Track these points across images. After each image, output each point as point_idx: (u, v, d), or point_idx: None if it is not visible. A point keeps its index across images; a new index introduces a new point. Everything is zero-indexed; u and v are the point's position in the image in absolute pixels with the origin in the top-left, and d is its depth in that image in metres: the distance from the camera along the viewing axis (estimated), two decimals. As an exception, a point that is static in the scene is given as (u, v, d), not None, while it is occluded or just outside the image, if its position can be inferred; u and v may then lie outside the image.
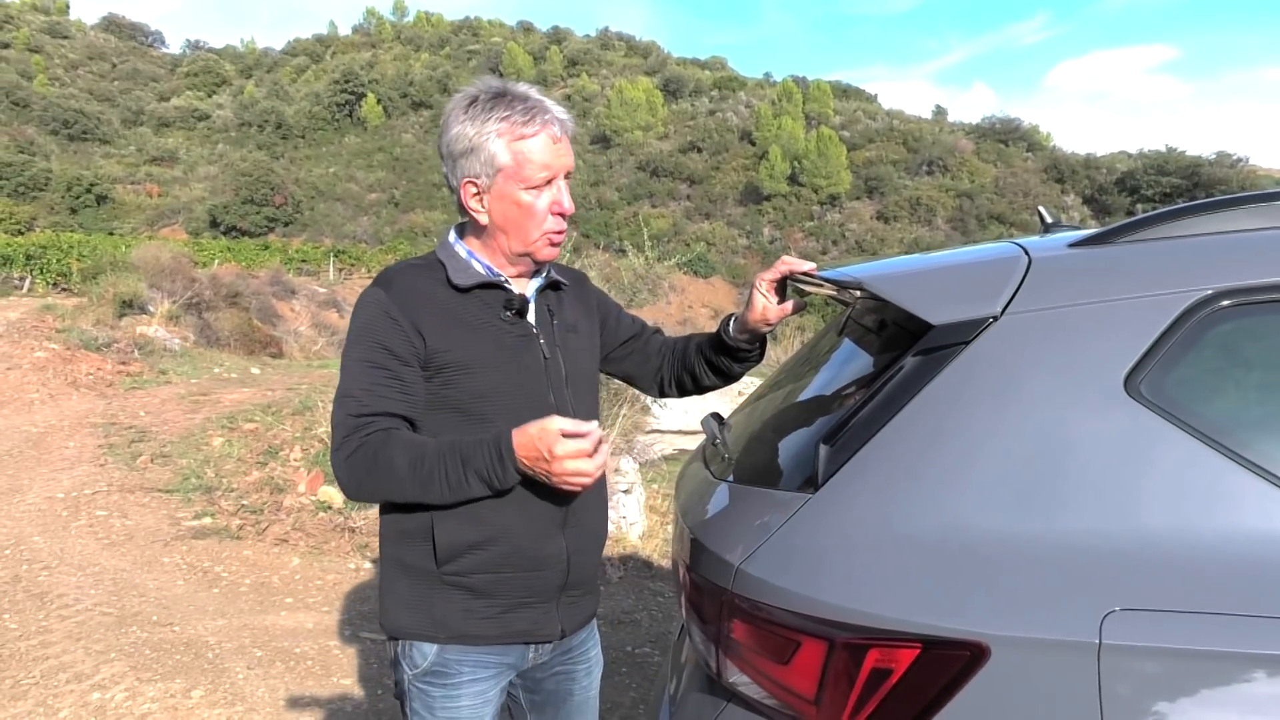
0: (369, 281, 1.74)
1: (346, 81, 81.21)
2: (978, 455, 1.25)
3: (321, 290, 33.50)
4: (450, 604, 1.62)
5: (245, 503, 6.67)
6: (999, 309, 1.32)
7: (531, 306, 1.71)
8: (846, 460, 1.31)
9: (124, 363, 13.14)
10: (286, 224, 58.96)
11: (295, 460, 7.82)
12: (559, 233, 1.66)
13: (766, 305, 1.83)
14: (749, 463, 1.60)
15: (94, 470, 7.29)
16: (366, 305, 1.63)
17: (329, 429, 6.08)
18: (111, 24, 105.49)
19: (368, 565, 5.44)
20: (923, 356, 1.34)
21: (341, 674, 3.78)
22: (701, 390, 1.99)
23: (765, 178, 58.25)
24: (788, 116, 63.30)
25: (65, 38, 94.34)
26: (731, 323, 1.90)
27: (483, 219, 1.64)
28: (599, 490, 1.78)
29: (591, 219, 54.59)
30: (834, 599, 1.23)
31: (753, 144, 62.53)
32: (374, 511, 6.43)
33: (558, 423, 1.45)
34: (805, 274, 1.77)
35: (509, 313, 1.65)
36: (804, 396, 1.77)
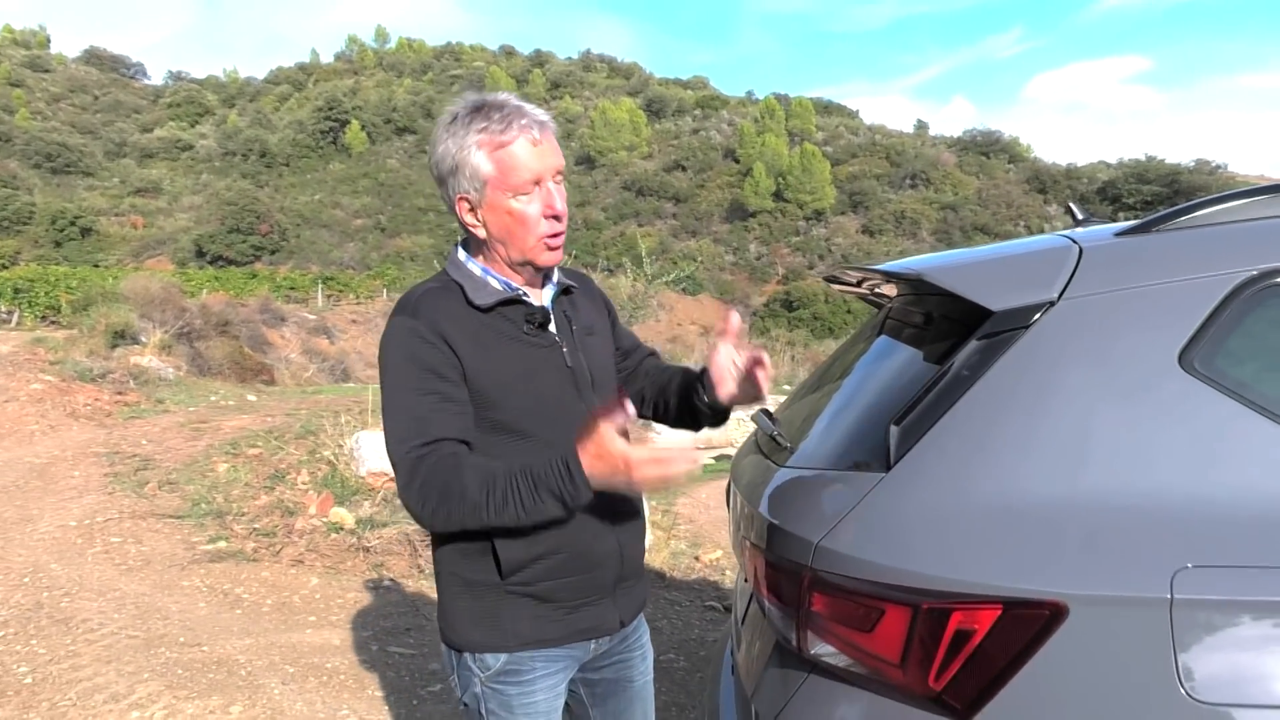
0: (358, 307, 1.79)
1: (330, 109, 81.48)
2: (1043, 428, 1.33)
3: (311, 317, 33.49)
4: (518, 613, 1.65)
5: (257, 526, 6.69)
6: (1056, 295, 1.41)
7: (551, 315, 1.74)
8: (918, 439, 1.39)
9: (120, 393, 13.12)
10: (273, 252, 58.91)
11: (303, 484, 7.85)
12: (555, 236, 1.65)
13: (731, 390, 1.80)
14: (813, 450, 1.67)
15: (103, 498, 7.29)
16: (399, 334, 1.61)
17: (334, 451, 6.17)
18: (93, 57, 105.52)
19: (386, 583, 5.48)
20: (985, 341, 1.42)
21: (375, 687, 3.81)
22: (670, 425, 1.96)
23: (750, 194, 58.64)
24: (771, 133, 63.83)
25: (46, 71, 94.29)
26: (703, 381, 1.84)
27: (480, 232, 1.65)
28: (631, 497, 1.80)
29: (578, 239, 54.79)
30: (915, 567, 1.31)
31: (737, 161, 62.98)
32: (388, 531, 6.47)
33: (616, 444, 1.43)
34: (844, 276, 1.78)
35: (532, 327, 1.68)
36: (857, 388, 1.85)
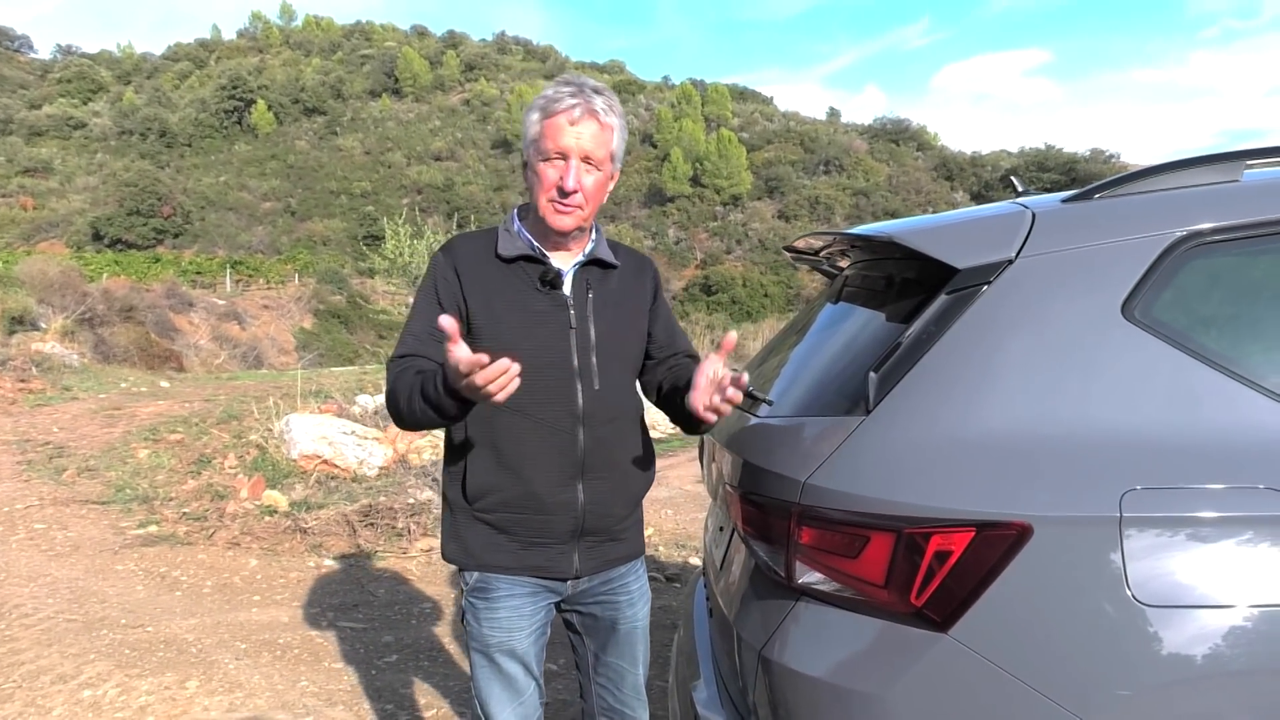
0: (270, 292, 1.95)
1: (234, 87, 78.57)
2: (1007, 371, 1.49)
3: (220, 302, 32.41)
4: (477, 536, 1.88)
5: (187, 511, 6.57)
6: (1014, 253, 1.57)
7: (569, 280, 1.88)
8: (896, 384, 1.54)
9: (23, 380, 12.56)
10: (176, 235, 56.65)
11: (231, 468, 7.70)
12: (563, 203, 1.79)
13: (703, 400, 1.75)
14: (791, 401, 1.81)
15: (19, 486, 7.04)
16: (431, 265, 1.90)
17: (263, 435, 6.21)
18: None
19: (328, 563, 5.46)
20: (952, 295, 1.57)
21: (331, 659, 3.84)
22: (671, 419, 2.01)
23: (668, 179, 58.97)
24: (688, 119, 64.22)
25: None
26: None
27: (527, 193, 1.88)
28: (630, 449, 1.94)
29: (495, 224, 54.10)
30: (897, 497, 1.46)
31: (654, 146, 63.21)
32: (325, 512, 6.42)
33: (461, 352, 1.49)
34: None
35: (544, 284, 1.85)
36: (826, 346, 1.99)
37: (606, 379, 1.88)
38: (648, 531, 7.20)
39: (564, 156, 1.78)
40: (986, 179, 58.28)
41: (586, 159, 1.79)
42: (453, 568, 5.45)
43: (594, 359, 1.86)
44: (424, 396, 1.64)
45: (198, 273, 38.40)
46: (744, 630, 1.71)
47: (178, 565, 5.26)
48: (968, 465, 1.45)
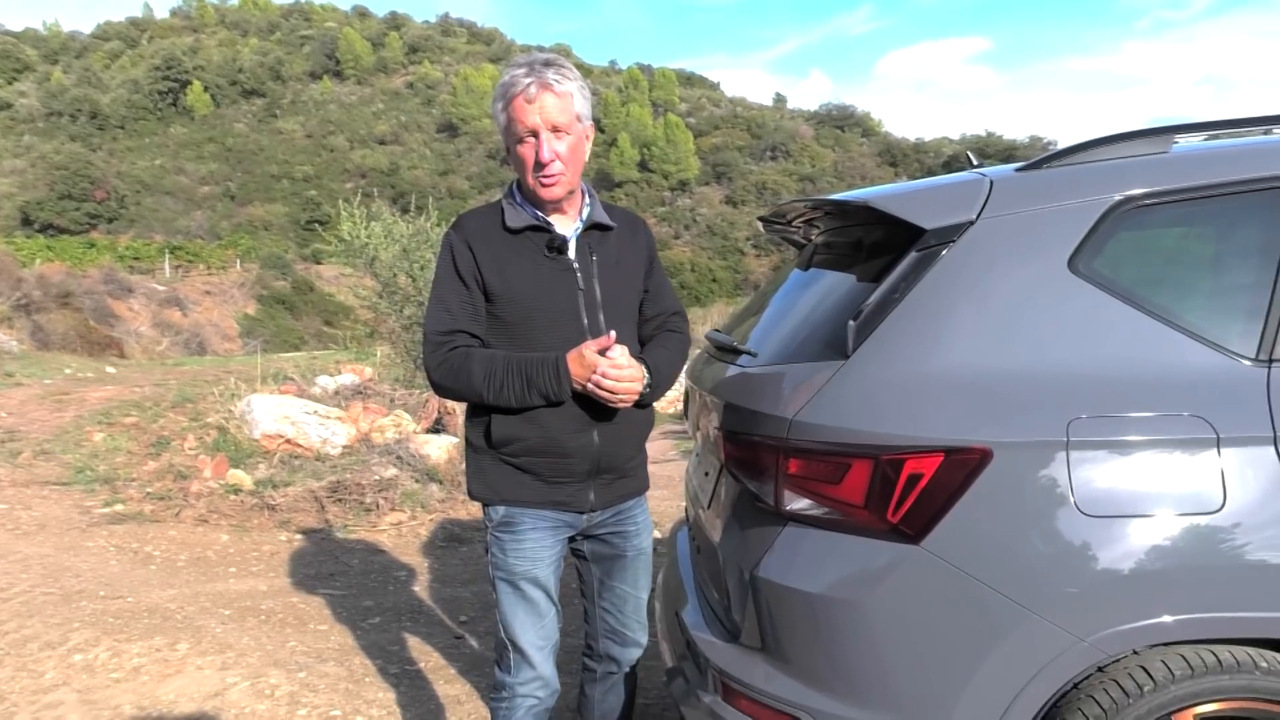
0: (211, 278, 2.13)
1: (168, 68, 76.40)
2: (969, 317, 1.70)
3: (160, 288, 31.72)
4: (503, 475, 2.07)
5: (150, 490, 6.57)
6: (975, 215, 1.77)
7: (572, 245, 2.07)
8: (872, 331, 1.74)
9: (-37, 366, 12.28)
10: (111, 220, 55.07)
11: (191, 449, 7.70)
12: (548, 176, 1.97)
13: None
14: (773, 351, 2.00)
15: (-27, 469, 6.95)
16: (445, 242, 2.08)
17: (224, 416, 6.30)
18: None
19: (299, 537, 5.55)
20: (921, 253, 1.78)
21: (315, 623, 3.96)
22: None
23: (616, 164, 59.00)
24: (635, 104, 64.25)
25: None
26: None
27: (514, 173, 2.07)
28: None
29: (444, 209, 53.76)
30: (875, 428, 1.66)
31: (602, 131, 63.09)
32: (293, 489, 6.48)
33: (589, 349, 1.92)
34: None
35: (551, 250, 2.04)
36: (801, 304, 2.18)
37: (617, 332, 2.05)
38: (649, 505, 7.39)
39: (534, 134, 1.95)
40: (929, 165, 59.42)
41: (555, 129, 1.96)
42: (427, 536, 5.60)
43: (601, 316, 2.06)
44: (532, 387, 1.93)
45: (135, 258, 37.45)
46: (734, 556, 1.90)
47: (149, 541, 5.30)
48: (936, 399, 1.66)
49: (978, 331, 1.69)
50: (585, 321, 2.04)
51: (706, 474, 2.27)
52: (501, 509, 2.07)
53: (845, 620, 1.66)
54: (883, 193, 1.98)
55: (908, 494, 1.63)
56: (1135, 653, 1.61)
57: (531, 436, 2.01)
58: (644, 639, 2.32)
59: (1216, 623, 1.56)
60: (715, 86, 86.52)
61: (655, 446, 16.73)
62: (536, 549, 2.08)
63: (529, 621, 2.09)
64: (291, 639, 3.71)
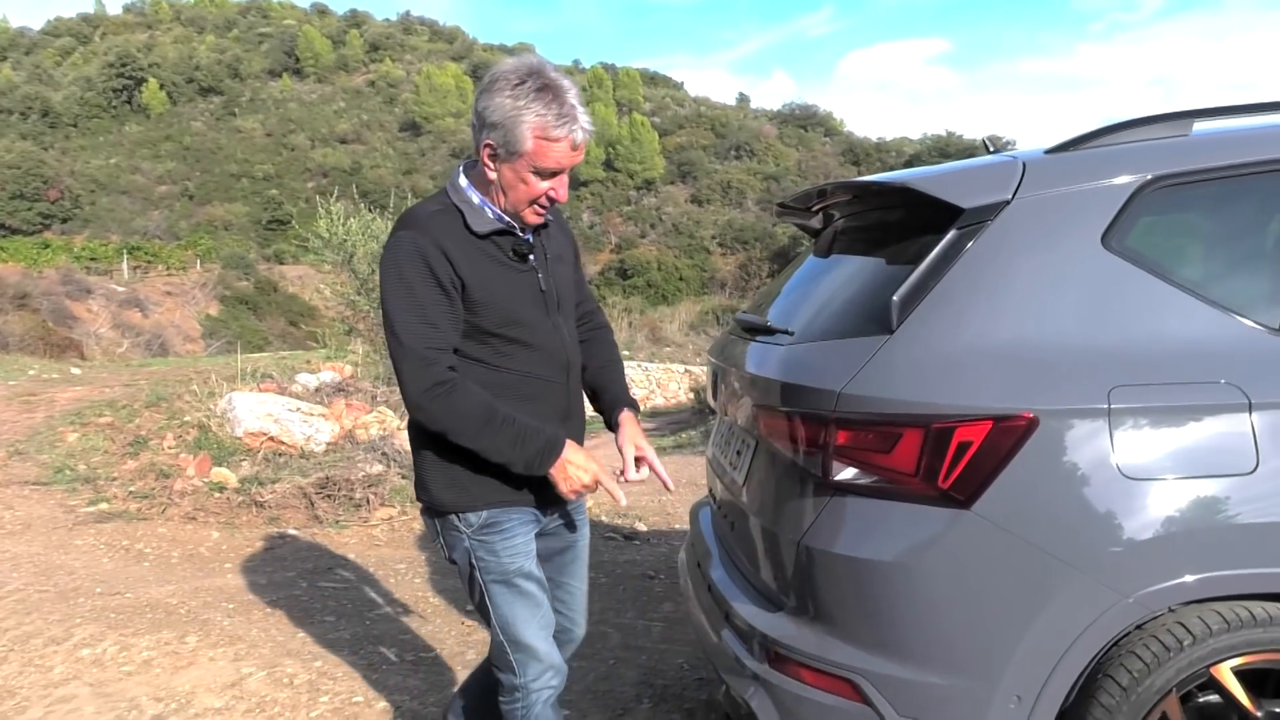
0: (171, 278, 2.05)
1: (122, 65, 74.89)
2: (1010, 292, 1.77)
3: (120, 289, 31.13)
4: (482, 481, 1.99)
5: (133, 489, 6.49)
6: (1010, 195, 1.84)
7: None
8: (915, 307, 1.80)
9: (-77, 368, 11.99)
10: (65, 220, 53.92)
11: (171, 448, 7.60)
12: (545, 209, 1.96)
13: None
14: (814, 329, 2.06)
15: (-53, 470, 6.81)
16: (406, 245, 1.89)
17: (205, 414, 6.24)
18: None
19: (291, 533, 5.52)
20: (960, 231, 1.84)
21: (322, 614, 3.95)
22: None
23: (581, 164, 58.98)
24: (599, 103, 64.21)
25: None
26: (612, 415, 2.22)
27: (492, 175, 1.92)
28: (581, 396, 2.19)
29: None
30: (926, 398, 1.72)
31: (566, 130, 63.06)
32: (281, 486, 6.44)
33: (604, 473, 2.00)
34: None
35: (516, 255, 1.99)
36: (832, 286, 2.24)
37: (569, 331, 2.14)
38: (588, 503, 7.42)
39: (556, 174, 1.90)
40: (891, 164, 60.09)
41: (572, 165, 1.96)
42: (420, 531, 5.59)
43: (559, 315, 2.08)
44: (520, 459, 1.91)
45: (92, 259, 36.69)
46: (778, 527, 1.95)
47: (139, 539, 5.25)
48: (983, 370, 1.72)
49: (1018, 304, 1.77)
50: (550, 324, 2.04)
51: (739, 452, 2.32)
52: (484, 513, 2.01)
53: (898, 584, 1.73)
54: (919, 174, 2.04)
55: (958, 461, 1.69)
56: (1171, 610, 1.69)
57: None
58: (584, 628, 2.34)
59: (1253, 579, 1.65)
60: (679, 86, 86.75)
61: (628, 444, 16.81)
62: (525, 543, 2.06)
63: (531, 616, 2.05)
64: (301, 630, 3.71)
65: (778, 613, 1.95)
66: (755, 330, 2.33)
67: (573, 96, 1.87)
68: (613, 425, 2.20)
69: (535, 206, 1.94)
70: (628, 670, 3.33)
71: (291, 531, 5.54)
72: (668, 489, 2.14)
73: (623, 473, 2.11)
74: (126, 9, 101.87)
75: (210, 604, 4.06)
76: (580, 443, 2.12)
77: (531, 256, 2.02)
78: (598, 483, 1.99)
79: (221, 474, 6.77)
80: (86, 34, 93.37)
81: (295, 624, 3.80)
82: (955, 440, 1.69)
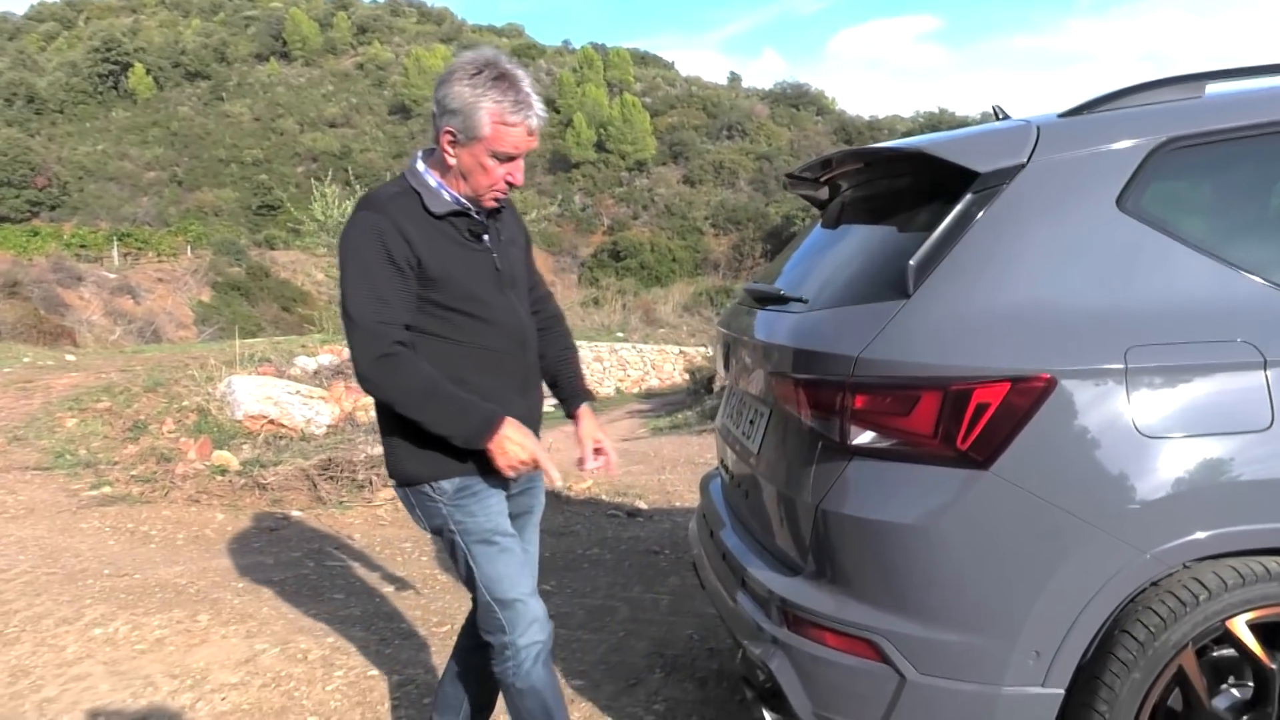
0: (163, 265, 2.09)
1: (108, 50, 74.07)
2: (1026, 255, 1.78)
3: (111, 276, 30.91)
4: (449, 450, 2.04)
5: (135, 473, 6.48)
6: (1025, 159, 1.85)
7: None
8: (933, 271, 1.81)
9: (-83, 356, 11.94)
10: (54, 207, 53.52)
11: (170, 432, 7.60)
12: (503, 192, 2.06)
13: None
14: (828, 296, 2.07)
15: (-53, 456, 6.80)
16: (369, 225, 1.98)
17: (205, 398, 6.24)
18: None
19: (295, 514, 5.53)
20: (976, 194, 1.85)
21: (331, 592, 3.97)
22: None
23: (573, 145, 58.69)
24: (590, 84, 63.86)
25: None
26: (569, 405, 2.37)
27: (451, 160, 2.01)
28: (538, 367, 2.28)
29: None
30: (944, 360, 1.74)
31: (557, 111, 62.61)
32: (283, 468, 6.44)
33: (541, 451, 2.05)
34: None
35: (472, 236, 2.08)
36: (843, 254, 2.25)
37: (524, 307, 2.22)
38: (585, 484, 7.43)
39: (514, 157, 2.00)
40: (884, 141, 59.49)
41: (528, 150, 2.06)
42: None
43: (513, 293, 2.17)
44: (458, 429, 1.97)
45: (82, 246, 36.39)
46: (796, 492, 1.97)
47: (144, 521, 5.25)
48: (1001, 332, 1.74)
49: (1034, 267, 1.78)
50: (504, 299, 2.11)
51: (752, 421, 2.34)
52: (457, 479, 2.07)
53: (917, 544, 1.74)
54: (933, 140, 2.05)
55: (976, 422, 1.71)
56: (1186, 566, 1.71)
57: None
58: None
59: (1273, 533, 1.67)
60: (670, 66, 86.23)
61: (624, 425, 16.85)
62: (499, 503, 2.13)
63: (515, 570, 2.11)
64: (312, 608, 3.73)
65: (795, 577, 1.97)
66: (767, 300, 2.34)
67: (527, 85, 1.98)
68: (571, 416, 2.36)
69: (493, 190, 2.03)
70: (638, 642, 3.35)
71: (295, 513, 5.56)
72: (611, 473, 2.25)
73: (581, 462, 2.29)
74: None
75: (219, 583, 4.07)
76: (539, 413, 2.23)
77: (486, 237, 2.11)
78: (534, 460, 2.04)
79: (223, 457, 6.77)
80: (70, 19, 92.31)
81: (306, 602, 3.81)
82: (973, 402, 1.71)
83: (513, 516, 2.24)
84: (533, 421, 2.19)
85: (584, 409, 2.35)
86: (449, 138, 1.98)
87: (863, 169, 2.38)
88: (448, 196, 2.03)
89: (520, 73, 1.98)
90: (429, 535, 4.95)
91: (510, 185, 2.04)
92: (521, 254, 2.26)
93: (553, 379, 2.39)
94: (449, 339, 2.05)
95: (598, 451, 2.29)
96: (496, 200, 2.07)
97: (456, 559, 2.14)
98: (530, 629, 2.10)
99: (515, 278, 2.19)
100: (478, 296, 2.05)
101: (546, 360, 2.35)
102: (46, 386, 10.11)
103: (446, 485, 2.07)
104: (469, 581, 2.14)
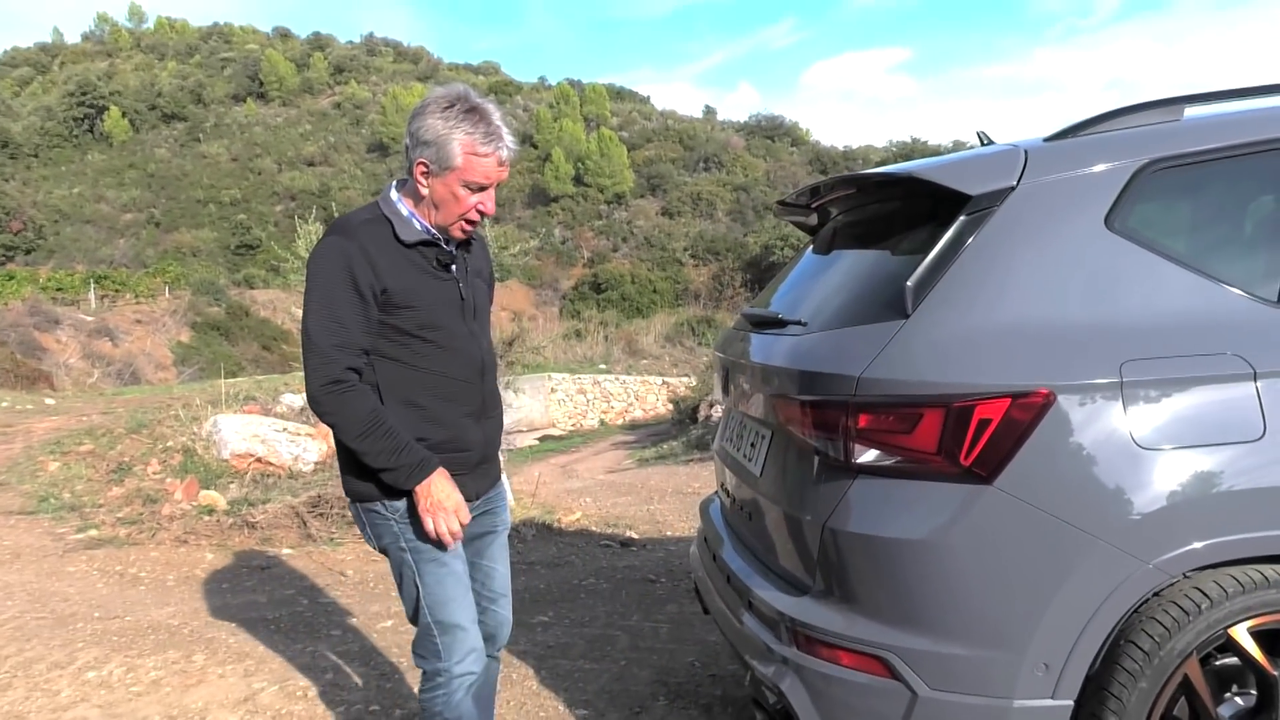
0: (141, 307, 2.11)
1: (83, 94, 73.99)
2: (1021, 273, 1.83)
3: (88, 319, 30.68)
4: None
5: (121, 515, 6.42)
6: (1015, 181, 1.91)
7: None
8: (929, 291, 1.85)
9: (-107, 403, 11.77)
10: (29, 251, 53.06)
11: (156, 473, 7.53)
12: (473, 223, 2.10)
13: None
14: (826, 318, 2.11)
15: (-71, 503, 6.70)
16: (337, 249, 2.01)
17: (190, 438, 6.20)
18: None
19: (286, 552, 5.48)
20: (969, 216, 1.90)
21: (328, 629, 3.93)
22: None
23: (551, 179, 58.98)
24: (567, 119, 64.35)
25: None
26: None
27: (424, 191, 2.05)
28: (498, 391, 2.31)
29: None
30: (945, 378, 1.77)
31: (535, 147, 63.02)
32: (272, 506, 6.39)
33: (462, 509, 2.07)
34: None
35: (440, 265, 2.12)
36: (838, 278, 2.30)
37: (485, 337, 2.27)
38: (574, 515, 7.42)
39: (484, 187, 2.05)
40: (860, 170, 60.00)
41: (499, 181, 2.10)
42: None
43: (475, 323, 2.21)
44: (395, 466, 2.00)
45: (59, 289, 36.09)
46: (801, 512, 1.99)
47: (132, 564, 5.19)
48: (999, 349, 1.78)
49: (1029, 285, 1.83)
50: (466, 329, 2.16)
51: (753, 444, 2.36)
52: (410, 499, 2.07)
53: (924, 560, 1.77)
54: (923, 165, 2.10)
55: (979, 438, 1.74)
56: (1186, 576, 1.75)
57: (437, 436, 2.10)
58: (509, 607, 2.40)
59: (1272, 540, 1.71)
60: (646, 100, 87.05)
61: (610, 457, 16.82)
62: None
63: (458, 594, 2.12)
64: (309, 645, 3.69)
65: (803, 596, 1.98)
66: (765, 324, 2.38)
67: (497, 118, 2.04)
68: None
69: (463, 220, 2.07)
70: (640, 670, 3.35)
71: (286, 551, 5.51)
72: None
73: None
74: (85, 37, 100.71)
75: (213, 623, 4.03)
76: (496, 439, 2.26)
77: (454, 267, 2.15)
78: (453, 513, 2.04)
79: (210, 497, 6.71)
80: (45, 63, 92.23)
81: (302, 639, 3.78)
82: (975, 418, 1.75)
83: (475, 537, 2.26)
84: (489, 448, 2.24)
85: None
86: (422, 169, 2.02)
87: (854, 195, 2.44)
88: (418, 225, 2.07)
89: (491, 106, 2.04)
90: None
91: (481, 214, 2.08)
92: (485, 287, 2.31)
93: None
94: (407, 364, 2.08)
95: None
96: (466, 231, 2.11)
97: (402, 579, 2.15)
98: (467, 658, 2.11)
99: (479, 307, 2.23)
100: (440, 324, 2.09)
101: None
102: (27, 430, 10.00)
103: (399, 504, 2.08)
104: (412, 602, 2.14)
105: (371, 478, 2.06)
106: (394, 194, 2.11)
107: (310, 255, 2.06)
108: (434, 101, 2.02)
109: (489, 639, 2.34)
